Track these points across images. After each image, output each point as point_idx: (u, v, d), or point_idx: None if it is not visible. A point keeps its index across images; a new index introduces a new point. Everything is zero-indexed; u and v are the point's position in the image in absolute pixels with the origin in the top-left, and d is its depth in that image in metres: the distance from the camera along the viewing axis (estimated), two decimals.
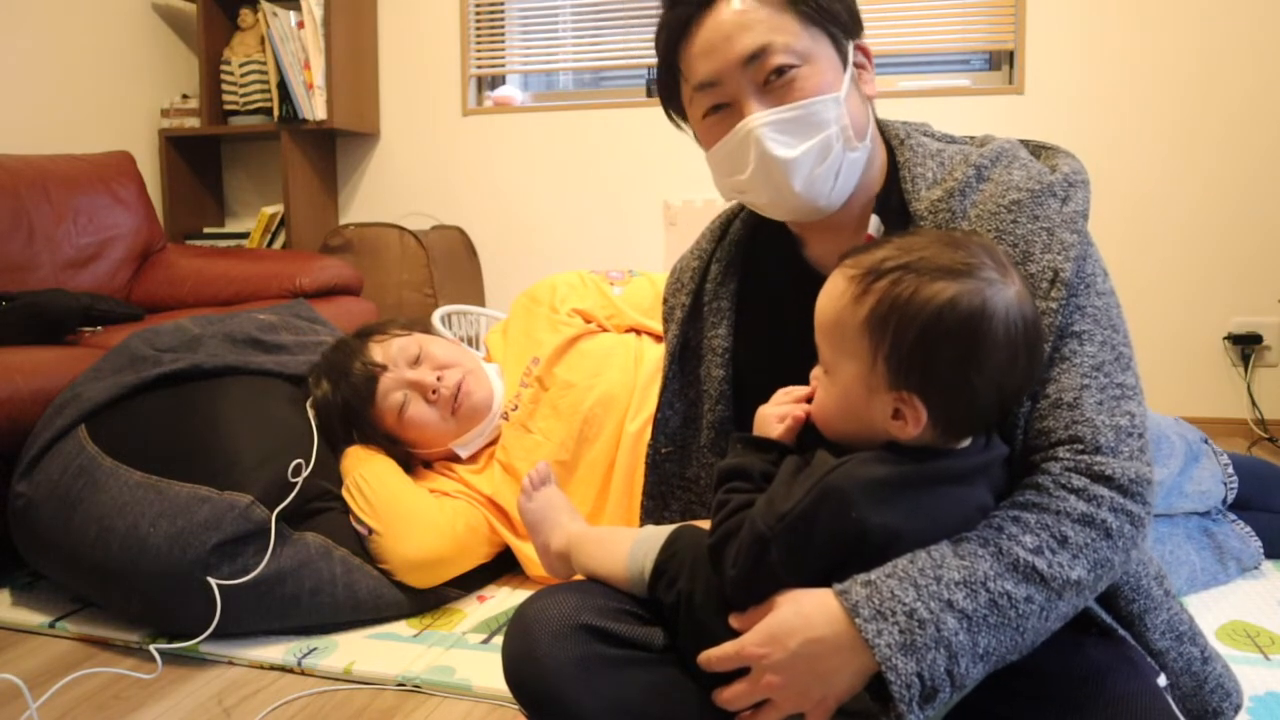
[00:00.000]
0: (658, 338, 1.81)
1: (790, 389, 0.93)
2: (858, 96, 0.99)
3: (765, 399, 0.93)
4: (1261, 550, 1.65)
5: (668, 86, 1.03)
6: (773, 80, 0.94)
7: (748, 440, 0.91)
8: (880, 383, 0.81)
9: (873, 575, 0.79)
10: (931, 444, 0.83)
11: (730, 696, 0.85)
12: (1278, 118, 2.66)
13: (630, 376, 1.72)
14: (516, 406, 1.76)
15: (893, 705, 0.76)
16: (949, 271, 0.79)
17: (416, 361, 1.72)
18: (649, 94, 3.14)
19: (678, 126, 1.07)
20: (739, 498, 0.85)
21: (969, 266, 0.80)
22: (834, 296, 0.85)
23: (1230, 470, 1.66)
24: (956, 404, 0.81)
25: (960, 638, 0.77)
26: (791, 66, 0.93)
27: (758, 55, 0.93)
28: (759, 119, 0.94)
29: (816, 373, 0.89)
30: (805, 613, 0.80)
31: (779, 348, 1.06)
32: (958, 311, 0.78)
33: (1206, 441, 1.70)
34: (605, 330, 1.86)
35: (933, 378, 0.80)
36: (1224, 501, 1.67)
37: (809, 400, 0.90)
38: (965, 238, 0.85)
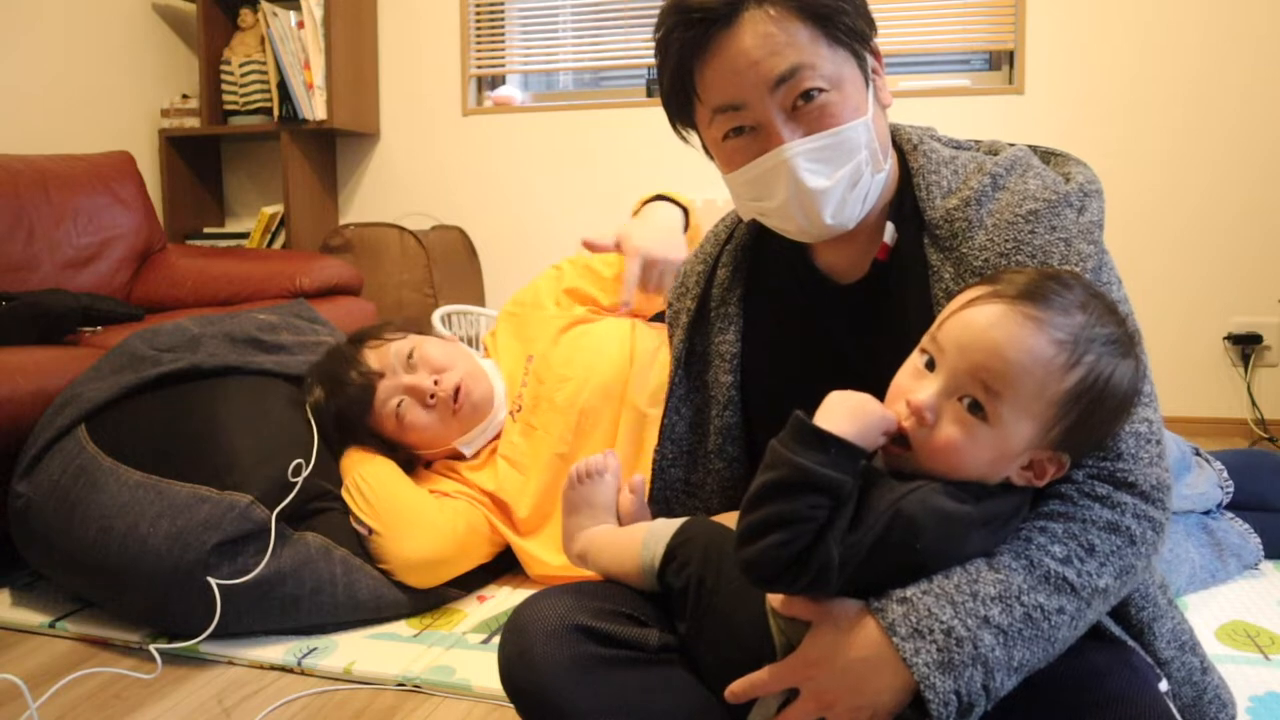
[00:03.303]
0: (653, 320, 1.81)
1: (870, 403, 0.82)
2: (879, 111, 0.97)
3: (774, 405, 0.91)
4: (1261, 548, 1.65)
5: (678, 102, 0.98)
6: (801, 105, 0.91)
7: (841, 446, 0.78)
8: (1046, 443, 0.81)
9: (908, 592, 0.79)
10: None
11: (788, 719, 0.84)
12: (1278, 117, 2.66)
13: (624, 367, 1.72)
14: (520, 407, 1.76)
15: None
16: (1125, 346, 0.82)
17: (412, 364, 1.71)
18: (649, 94, 3.14)
19: (684, 140, 1.02)
20: (824, 514, 0.77)
21: (1129, 338, 0.83)
22: (1041, 359, 0.79)
23: (1225, 475, 1.67)
24: (1076, 459, 0.85)
25: (996, 653, 0.77)
26: (821, 90, 0.90)
27: (787, 77, 0.89)
28: (794, 148, 0.91)
29: (935, 406, 0.81)
30: (845, 632, 0.80)
31: (788, 353, 1.06)
32: (1130, 389, 0.82)
33: (1198, 452, 1.70)
34: (598, 314, 1.85)
35: (1087, 444, 0.84)
36: (1220, 505, 1.67)
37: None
38: (1109, 300, 0.85)
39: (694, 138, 1.02)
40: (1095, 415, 0.81)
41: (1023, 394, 0.79)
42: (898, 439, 0.83)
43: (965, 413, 0.80)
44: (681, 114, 0.99)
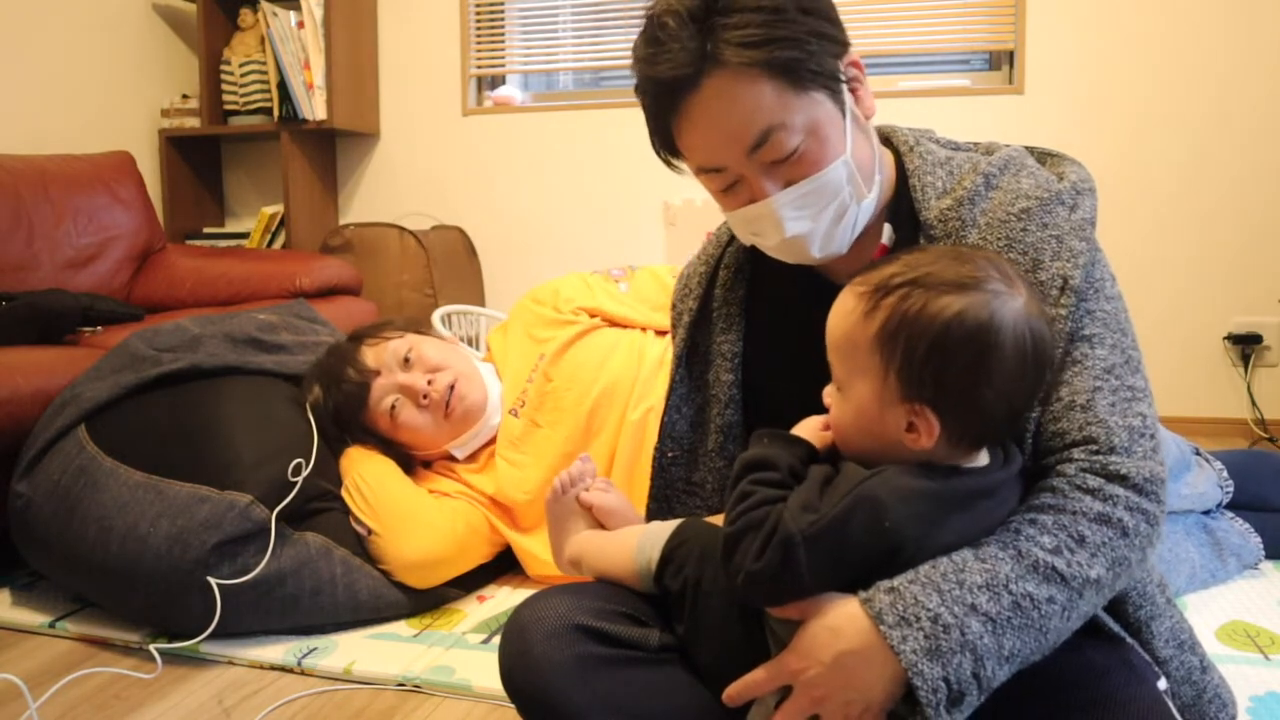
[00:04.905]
0: (661, 333, 1.82)
1: (818, 418, 0.92)
2: (859, 134, 0.96)
3: (774, 404, 0.93)
4: (1261, 548, 1.65)
5: (666, 154, 0.99)
6: (780, 159, 0.91)
7: (775, 435, 0.89)
8: (893, 396, 0.82)
9: (895, 582, 0.79)
10: (948, 459, 0.83)
11: (781, 717, 0.84)
12: (1274, 114, 2.66)
13: (633, 368, 1.73)
14: (524, 404, 1.76)
15: (920, 709, 0.76)
16: (956, 285, 0.81)
17: (408, 364, 1.71)
18: None
19: (677, 171, 1.03)
20: (765, 491, 0.83)
21: (976, 280, 0.81)
22: (844, 314, 0.85)
23: (1225, 475, 1.67)
24: (968, 415, 0.82)
25: (985, 640, 0.77)
26: (797, 145, 0.90)
27: (761, 143, 0.90)
28: (776, 201, 0.92)
29: (830, 390, 0.89)
30: (834, 625, 0.80)
31: (788, 353, 1.07)
32: (966, 324, 0.80)
33: (1198, 452, 1.70)
34: (610, 324, 1.86)
35: (944, 389, 0.81)
36: (1220, 505, 1.67)
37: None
38: (971, 252, 0.86)
39: (685, 166, 1.01)
40: (924, 352, 0.80)
41: (844, 352, 0.85)
42: None
43: (834, 389, 0.88)
44: (672, 160, 1.01)
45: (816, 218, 0.94)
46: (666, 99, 0.92)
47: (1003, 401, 0.82)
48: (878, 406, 0.83)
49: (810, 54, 0.89)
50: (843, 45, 0.94)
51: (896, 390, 0.82)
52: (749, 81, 0.88)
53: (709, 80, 0.89)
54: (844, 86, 0.94)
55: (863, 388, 0.84)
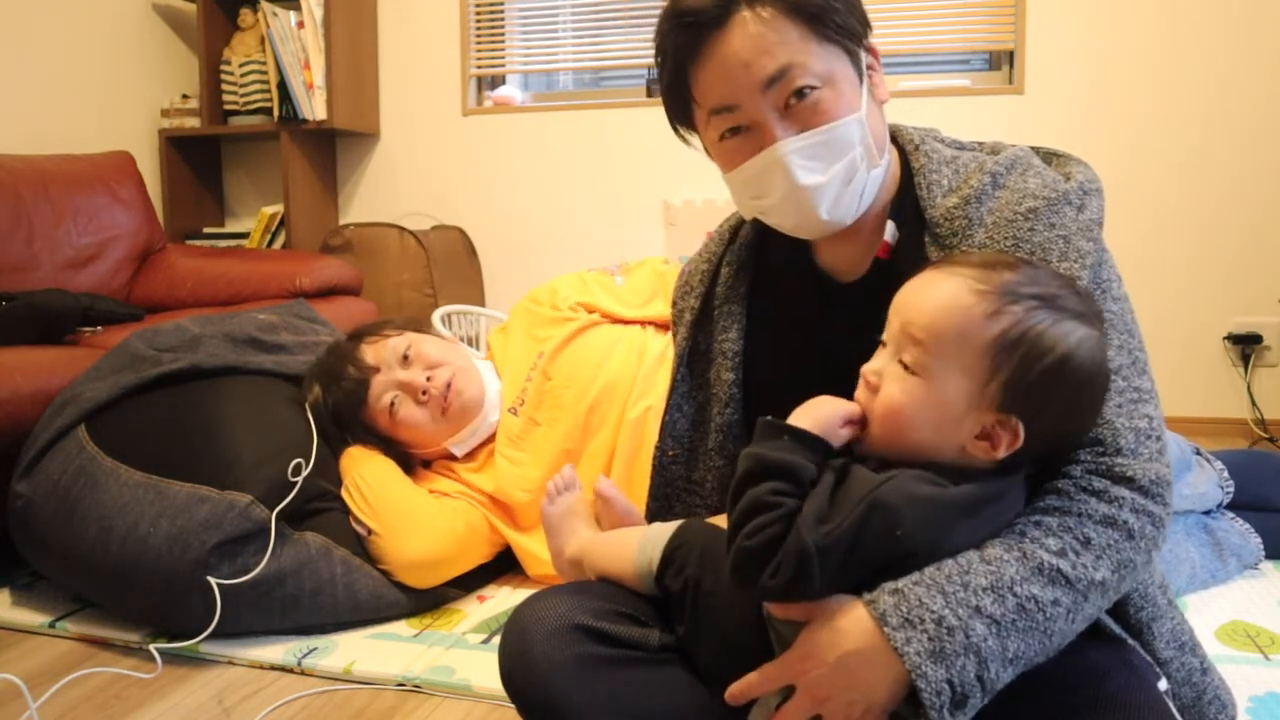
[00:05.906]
0: (661, 327, 1.82)
1: (828, 400, 0.87)
2: (874, 108, 0.98)
3: (775, 403, 0.91)
4: (1261, 548, 1.65)
5: (677, 105, 0.99)
6: (794, 103, 0.92)
7: (795, 433, 0.85)
8: (988, 403, 0.81)
9: (900, 583, 0.79)
10: (965, 464, 0.83)
11: (783, 718, 0.84)
12: (1274, 114, 2.66)
13: (633, 366, 1.73)
14: (524, 401, 1.76)
15: (923, 711, 0.76)
16: (1078, 315, 0.82)
17: (407, 362, 1.72)
18: (649, 94, 3.13)
19: (685, 141, 1.04)
20: (790, 503, 0.81)
21: (1093, 314, 0.83)
22: (959, 306, 0.82)
23: (1226, 475, 1.67)
24: (1048, 439, 0.83)
25: (989, 643, 0.77)
26: (813, 88, 0.91)
27: (779, 78, 0.91)
28: (787, 146, 0.92)
29: (889, 371, 0.85)
30: (838, 626, 0.80)
31: (790, 352, 1.06)
32: (1081, 356, 0.81)
33: (1198, 452, 1.70)
34: (609, 320, 1.86)
35: (1042, 412, 0.81)
36: (1220, 505, 1.67)
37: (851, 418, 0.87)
38: (1068, 279, 0.86)
39: (695, 139, 1.03)
40: (1040, 372, 0.80)
41: (945, 341, 0.82)
42: (866, 424, 0.87)
43: (903, 371, 0.84)
44: (681, 117, 1.01)
45: (827, 171, 0.93)
46: (690, 35, 0.93)
47: (1076, 433, 0.85)
48: (964, 406, 0.82)
49: (837, 10, 0.92)
50: (866, 23, 0.96)
51: (995, 399, 0.81)
52: (774, 21, 0.91)
53: (735, 18, 0.91)
54: (863, 55, 0.96)
55: (956, 384, 0.82)
